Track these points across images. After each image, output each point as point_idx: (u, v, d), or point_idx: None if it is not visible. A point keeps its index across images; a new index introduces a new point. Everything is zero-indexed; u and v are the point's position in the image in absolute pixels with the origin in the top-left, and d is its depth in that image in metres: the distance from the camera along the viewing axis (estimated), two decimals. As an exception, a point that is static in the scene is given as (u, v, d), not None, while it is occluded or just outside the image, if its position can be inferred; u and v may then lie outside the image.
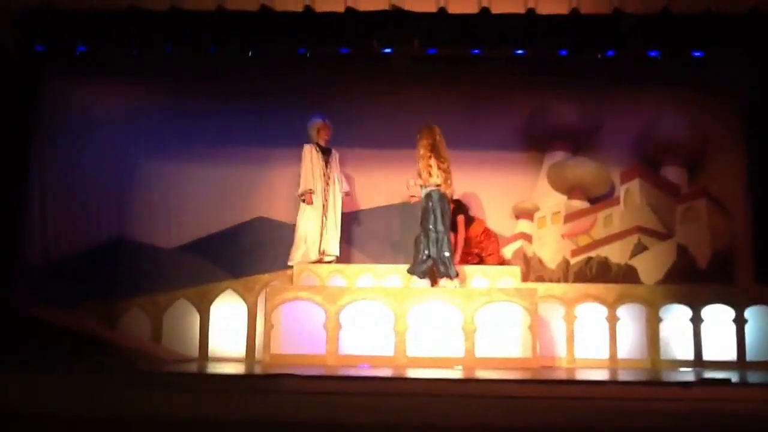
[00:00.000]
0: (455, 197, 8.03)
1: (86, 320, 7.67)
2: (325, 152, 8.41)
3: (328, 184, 8.31)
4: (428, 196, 7.50)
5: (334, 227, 8.24)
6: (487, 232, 8.44)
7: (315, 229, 8.13)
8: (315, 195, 8.18)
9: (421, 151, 7.59)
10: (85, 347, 6.90)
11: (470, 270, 8.03)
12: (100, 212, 8.76)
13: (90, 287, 8.31)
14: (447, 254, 7.42)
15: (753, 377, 6.08)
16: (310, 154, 8.30)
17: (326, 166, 8.33)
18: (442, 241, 7.41)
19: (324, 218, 8.17)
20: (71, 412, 4.80)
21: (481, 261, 8.27)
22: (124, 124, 8.95)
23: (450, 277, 7.43)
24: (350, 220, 8.82)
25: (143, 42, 8.27)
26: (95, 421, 4.80)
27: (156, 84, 8.97)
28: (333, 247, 8.20)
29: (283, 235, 8.64)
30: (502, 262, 8.47)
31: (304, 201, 8.18)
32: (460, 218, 8.22)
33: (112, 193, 8.84)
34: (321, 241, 8.12)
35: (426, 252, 7.44)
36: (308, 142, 8.42)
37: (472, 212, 8.53)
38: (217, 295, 8.17)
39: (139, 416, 4.81)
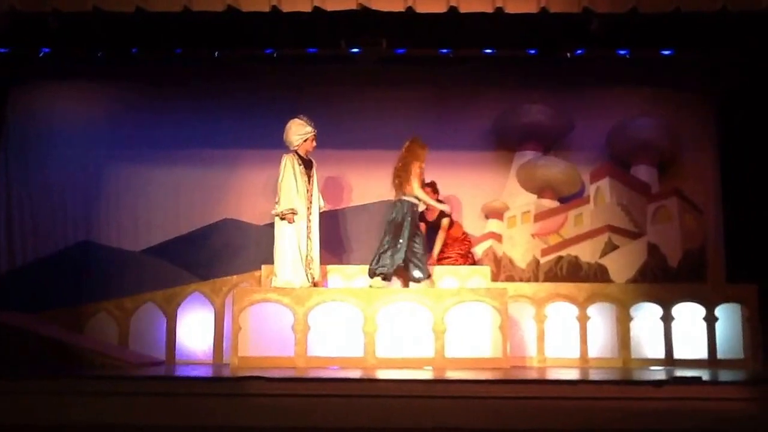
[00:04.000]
0: (440, 197, 8.21)
1: (51, 325, 7.52)
2: (308, 165, 7.65)
3: (310, 201, 7.54)
4: (411, 206, 7.56)
5: (316, 250, 7.57)
6: (465, 233, 8.46)
7: (300, 252, 7.43)
8: (297, 215, 7.40)
9: (416, 164, 7.61)
10: (50, 353, 6.76)
11: (440, 270, 7.99)
12: (66, 216, 8.64)
13: (56, 292, 8.20)
14: (421, 254, 7.50)
15: (724, 375, 6.09)
16: (292, 166, 7.47)
17: (309, 182, 7.56)
18: (406, 248, 7.45)
19: (309, 240, 7.48)
20: (31, 420, 4.69)
21: (466, 261, 8.26)
22: (91, 128, 8.84)
23: (422, 279, 7.47)
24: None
25: (108, 44, 8.17)
26: (57, 428, 4.69)
27: (122, 86, 8.86)
28: (317, 272, 7.61)
29: (251, 236, 8.58)
30: (474, 262, 8.45)
31: (283, 219, 7.43)
32: (445, 221, 8.23)
33: (79, 197, 8.71)
34: (310, 266, 7.47)
35: (393, 257, 7.46)
36: (284, 148, 7.63)
37: (453, 215, 8.49)
38: (184, 298, 8.05)
39: (103, 422, 4.71)
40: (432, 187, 8.18)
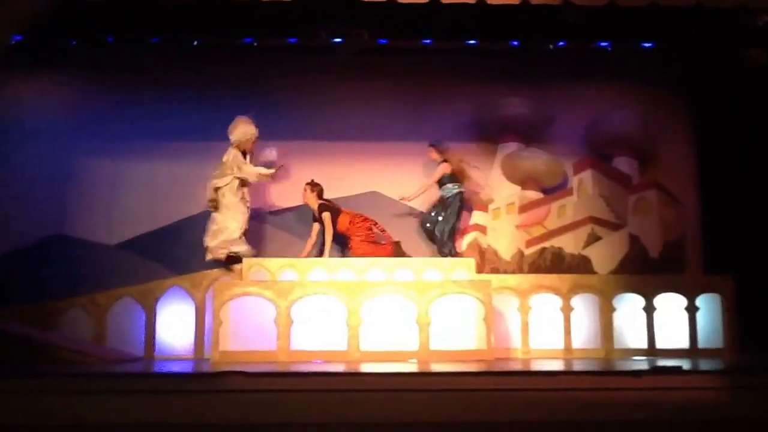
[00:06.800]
0: (321, 200, 8.35)
1: (19, 321, 7.31)
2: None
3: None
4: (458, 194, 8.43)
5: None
6: (353, 219, 8.35)
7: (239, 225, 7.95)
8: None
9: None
10: (17, 350, 6.55)
11: (424, 263, 7.94)
12: (37, 209, 8.44)
13: (26, 286, 8.01)
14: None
15: (704, 364, 6.13)
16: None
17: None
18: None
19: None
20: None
21: (376, 248, 8.24)
22: (63, 119, 8.66)
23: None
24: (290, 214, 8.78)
25: (82, 33, 7.99)
26: (26, 429, 4.54)
27: (96, 77, 8.68)
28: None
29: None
30: (392, 243, 8.39)
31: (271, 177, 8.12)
32: (326, 215, 8.25)
33: (51, 189, 8.53)
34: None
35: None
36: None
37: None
38: (162, 292, 7.92)
39: (76, 422, 4.58)
40: (323, 205, 8.32)
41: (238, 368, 5.09)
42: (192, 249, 8.33)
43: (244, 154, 8.12)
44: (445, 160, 8.48)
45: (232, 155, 8.04)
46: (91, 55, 8.45)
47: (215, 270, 7.91)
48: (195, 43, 8.17)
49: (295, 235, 8.64)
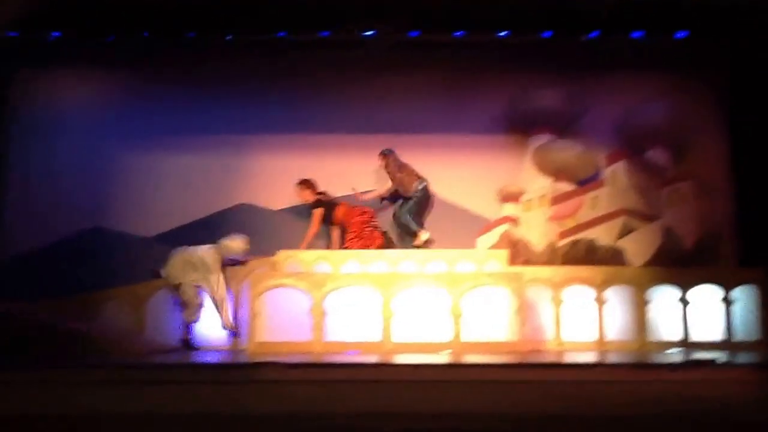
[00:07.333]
0: (317, 195, 8.38)
1: (59, 313, 7.48)
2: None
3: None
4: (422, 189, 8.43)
5: None
6: (349, 212, 8.38)
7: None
8: None
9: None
10: (60, 341, 6.71)
11: (456, 254, 7.98)
12: (76, 203, 8.62)
13: (64, 279, 8.18)
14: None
15: (740, 357, 6.08)
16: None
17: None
18: None
19: None
20: (44, 410, 4.66)
21: (365, 242, 8.24)
22: (101, 113, 8.82)
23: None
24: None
25: (119, 29, 8.12)
26: (70, 418, 4.67)
27: (133, 72, 8.81)
28: None
29: (267, 221, 8.60)
30: (379, 235, 8.40)
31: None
32: (316, 211, 8.31)
33: (89, 184, 8.69)
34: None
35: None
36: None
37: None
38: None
39: (117, 411, 4.68)
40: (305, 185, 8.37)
41: (275, 359, 5.18)
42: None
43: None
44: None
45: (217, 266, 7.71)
46: (127, 51, 8.57)
47: (250, 262, 8.01)
48: (229, 38, 8.26)
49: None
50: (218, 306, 7.58)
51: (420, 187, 8.43)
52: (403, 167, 8.50)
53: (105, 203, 8.70)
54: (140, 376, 5.00)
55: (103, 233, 8.64)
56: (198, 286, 7.63)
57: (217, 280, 7.61)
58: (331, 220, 8.41)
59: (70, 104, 8.82)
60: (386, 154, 8.56)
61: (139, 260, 8.30)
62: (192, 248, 7.72)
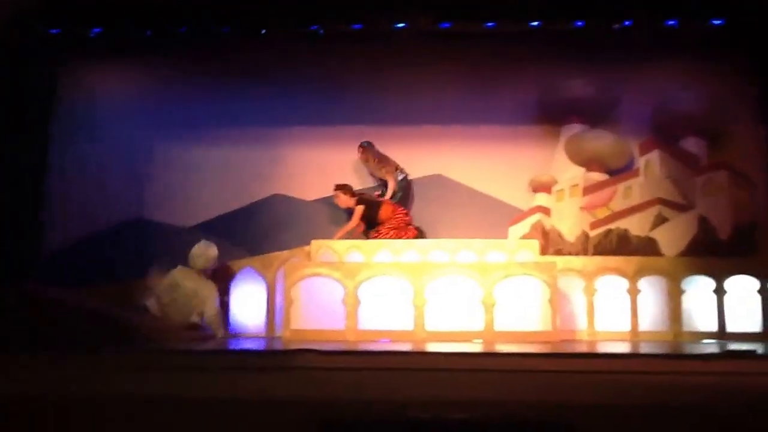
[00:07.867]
0: (356, 196, 8.49)
1: (106, 300, 7.66)
2: None
3: None
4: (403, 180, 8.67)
5: None
6: (393, 211, 8.44)
7: None
8: None
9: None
10: (105, 328, 6.88)
11: (486, 244, 7.99)
12: (118, 193, 8.85)
13: (104, 268, 8.40)
14: None
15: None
16: None
17: None
18: None
19: None
20: (92, 392, 4.81)
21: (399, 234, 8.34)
22: (142, 105, 9.01)
23: None
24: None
25: (157, 23, 8.25)
26: (114, 399, 4.80)
27: (171, 65, 8.96)
28: None
29: (300, 212, 8.72)
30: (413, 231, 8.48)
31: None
32: (358, 207, 8.37)
33: (131, 174, 8.92)
34: None
35: None
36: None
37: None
38: (235, 273, 8.17)
39: (155, 395, 4.80)
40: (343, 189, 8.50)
41: (310, 346, 5.26)
42: (262, 230, 8.67)
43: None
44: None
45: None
46: (166, 45, 8.71)
47: (285, 251, 8.11)
48: (263, 31, 8.36)
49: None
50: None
51: (400, 178, 8.56)
52: (383, 160, 8.55)
53: (145, 194, 8.91)
54: (178, 362, 5.10)
55: (143, 223, 8.86)
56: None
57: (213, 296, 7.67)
58: (375, 219, 8.43)
59: (111, 98, 9.04)
60: (365, 147, 8.60)
61: (180, 250, 8.46)
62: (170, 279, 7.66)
